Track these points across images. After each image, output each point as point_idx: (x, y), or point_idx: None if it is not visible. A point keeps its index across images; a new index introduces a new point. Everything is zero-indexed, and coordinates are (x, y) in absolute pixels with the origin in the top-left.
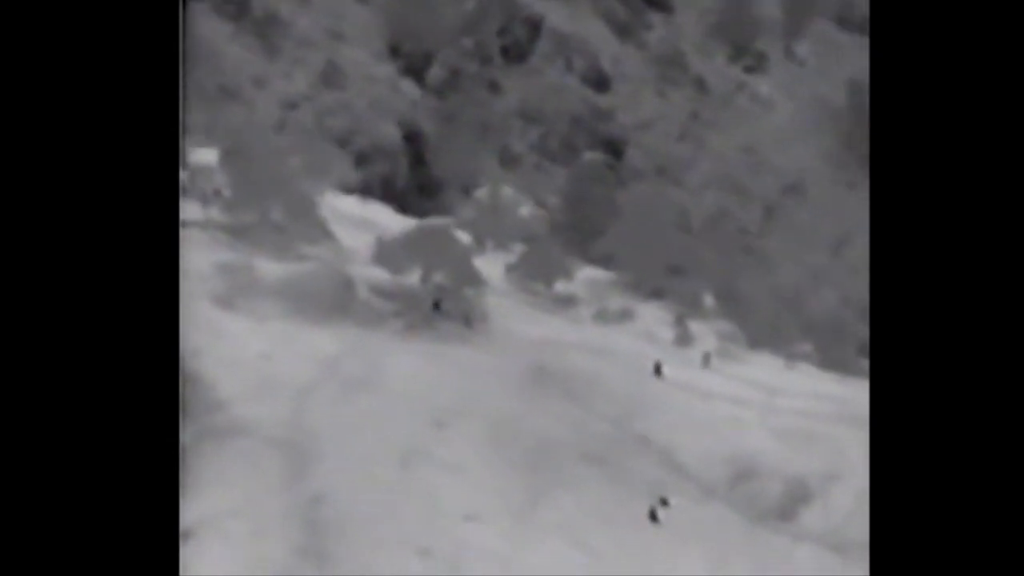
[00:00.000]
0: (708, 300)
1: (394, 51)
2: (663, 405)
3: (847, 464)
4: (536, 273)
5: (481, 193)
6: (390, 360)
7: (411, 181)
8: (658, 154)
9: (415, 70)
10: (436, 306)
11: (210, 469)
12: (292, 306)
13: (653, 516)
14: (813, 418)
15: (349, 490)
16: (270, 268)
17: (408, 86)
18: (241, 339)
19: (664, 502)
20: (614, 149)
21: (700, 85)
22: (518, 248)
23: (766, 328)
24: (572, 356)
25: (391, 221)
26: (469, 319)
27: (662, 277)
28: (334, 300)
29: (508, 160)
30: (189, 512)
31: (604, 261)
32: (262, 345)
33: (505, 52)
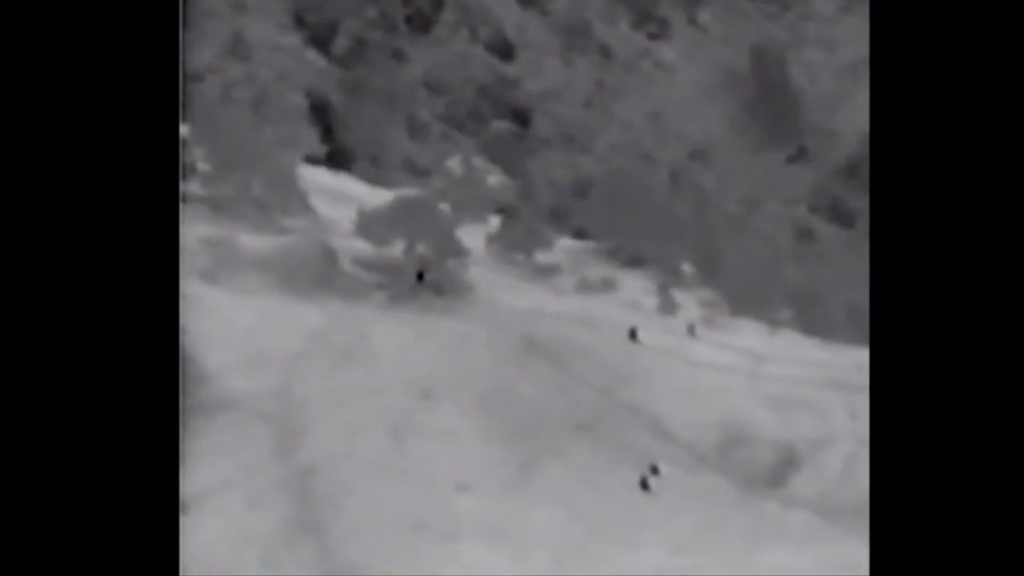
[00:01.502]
0: (686, 267)
1: (299, 21)
2: (651, 373)
3: (836, 429)
4: (516, 243)
5: (451, 163)
6: (376, 332)
7: (320, 151)
8: (565, 122)
9: (320, 40)
10: (420, 277)
11: (201, 443)
12: (276, 279)
13: (644, 484)
14: (800, 384)
15: (341, 461)
16: (252, 242)
17: (313, 56)
18: (226, 313)
19: (655, 470)
20: (521, 118)
21: (605, 52)
22: (492, 218)
23: (747, 294)
24: (558, 326)
25: (366, 192)
26: (453, 290)
27: (638, 245)
28: (318, 273)
29: (415, 130)
30: (183, 486)
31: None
32: (248, 319)
33: (409, 21)
